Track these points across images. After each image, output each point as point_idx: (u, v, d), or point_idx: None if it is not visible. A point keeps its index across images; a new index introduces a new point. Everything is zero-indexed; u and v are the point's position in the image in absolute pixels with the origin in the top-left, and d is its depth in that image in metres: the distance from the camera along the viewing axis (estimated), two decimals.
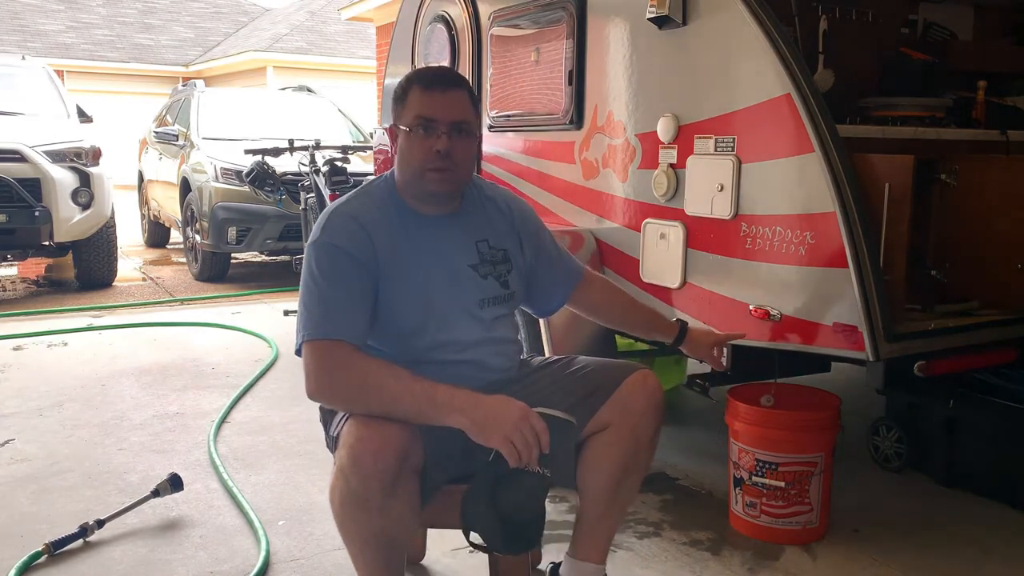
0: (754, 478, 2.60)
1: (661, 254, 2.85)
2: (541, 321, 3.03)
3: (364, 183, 2.03)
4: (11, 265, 7.69)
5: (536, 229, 2.14)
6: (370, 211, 1.89)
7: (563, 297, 2.21)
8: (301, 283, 1.85)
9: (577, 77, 3.21)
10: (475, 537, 1.80)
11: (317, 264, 1.82)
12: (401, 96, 1.90)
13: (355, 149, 6.28)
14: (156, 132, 8.83)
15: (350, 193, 1.98)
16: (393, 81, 4.74)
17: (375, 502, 1.68)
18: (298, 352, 1.80)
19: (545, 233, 2.17)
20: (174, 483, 2.83)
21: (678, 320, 2.28)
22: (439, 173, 1.86)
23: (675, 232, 2.79)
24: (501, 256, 2.01)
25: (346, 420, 1.77)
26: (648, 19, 2.76)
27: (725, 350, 2.73)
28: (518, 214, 2.11)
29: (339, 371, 1.73)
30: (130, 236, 9.51)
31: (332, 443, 1.88)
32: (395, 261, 1.86)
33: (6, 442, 3.45)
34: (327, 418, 1.97)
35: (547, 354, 2.91)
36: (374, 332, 1.86)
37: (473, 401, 1.69)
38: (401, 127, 1.89)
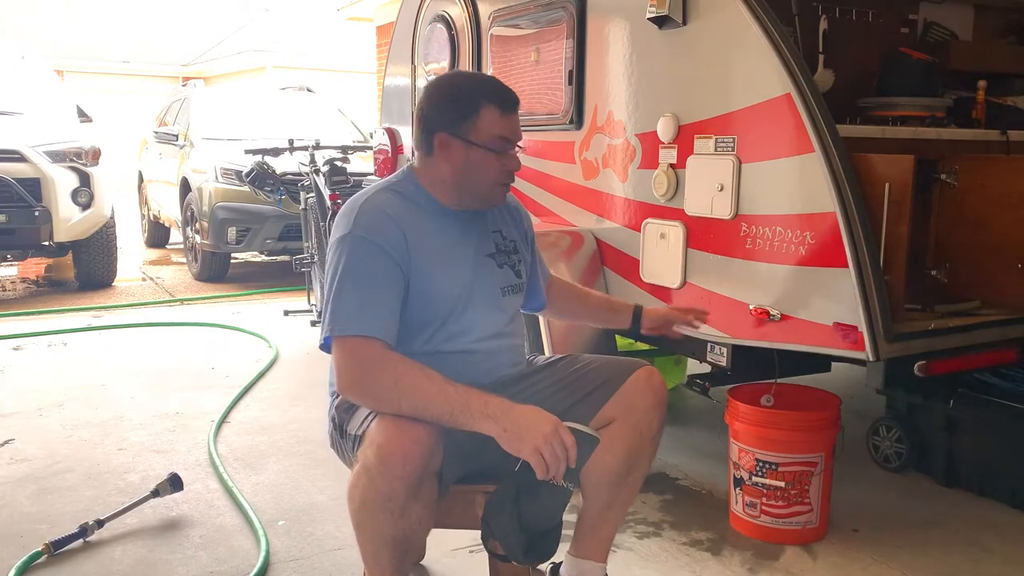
0: (754, 478, 2.60)
1: (661, 254, 2.85)
2: (541, 321, 3.03)
3: (382, 180, 2.02)
4: (11, 265, 7.69)
5: (531, 227, 2.21)
6: (398, 204, 1.89)
7: (542, 295, 2.25)
8: (329, 275, 1.83)
9: (577, 77, 3.21)
10: (493, 545, 1.80)
11: (349, 257, 1.80)
12: (469, 110, 1.87)
13: (355, 149, 6.27)
14: (156, 132, 8.83)
15: (371, 187, 1.97)
16: (393, 81, 4.75)
17: (398, 503, 1.68)
18: (322, 346, 1.80)
19: (534, 242, 2.24)
20: (174, 483, 2.83)
21: (634, 303, 2.31)
22: (505, 188, 1.97)
23: (675, 232, 2.79)
24: (512, 247, 2.06)
25: (374, 419, 1.76)
26: (648, 19, 2.76)
27: (724, 349, 2.76)
28: (521, 212, 2.19)
29: (374, 370, 1.73)
30: (130, 236, 9.51)
31: (354, 441, 1.86)
32: (425, 253, 1.87)
33: (6, 442, 3.45)
34: (345, 416, 1.93)
35: (548, 353, 2.91)
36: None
37: (506, 409, 1.69)
38: (473, 142, 1.87)
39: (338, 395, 1.90)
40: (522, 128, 1.98)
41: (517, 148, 1.94)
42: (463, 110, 1.87)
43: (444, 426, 1.72)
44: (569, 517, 2.49)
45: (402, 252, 1.83)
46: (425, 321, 1.89)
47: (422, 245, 1.86)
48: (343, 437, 1.93)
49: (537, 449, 1.64)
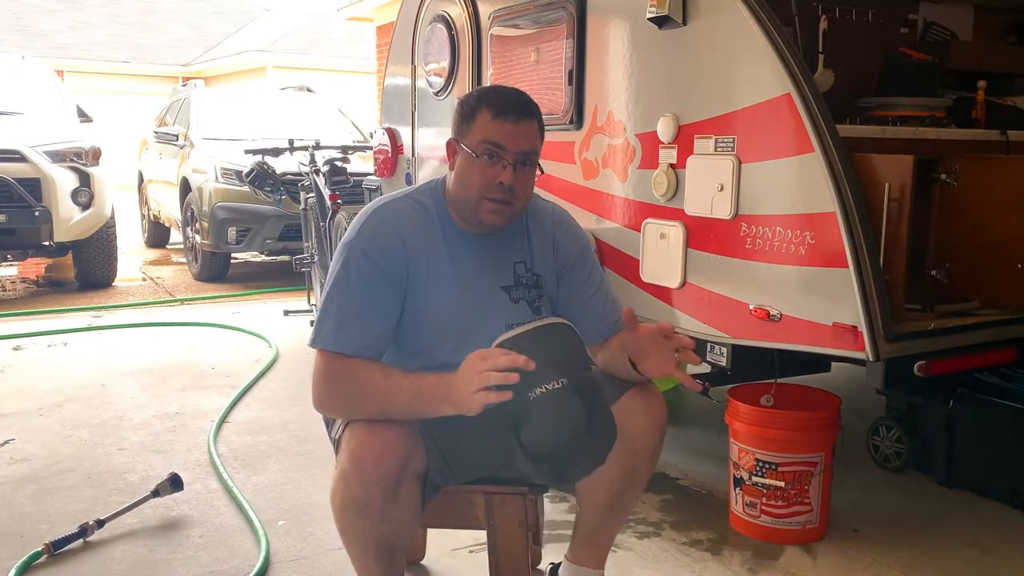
0: (754, 478, 2.60)
1: (661, 254, 2.85)
2: None
3: (413, 186, 1.96)
4: (11, 265, 7.69)
5: (577, 263, 1.96)
6: (411, 217, 1.84)
7: (597, 333, 1.95)
8: (327, 281, 1.82)
9: (577, 77, 3.21)
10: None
11: (344, 268, 1.78)
12: (469, 114, 1.80)
13: (355, 149, 6.28)
14: (156, 132, 8.83)
15: (398, 191, 1.92)
16: (393, 81, 4.75)
17: (376, 507, 1.68)
18: (312, 344, 1.79)
19: (590, 275, 1.97)
20: (174, 483, 2.83)
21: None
22: (497, 205, 1.78)
23: (675, 232, 2.79)
24: (534, 281, 1.92)
25: (347, 424, 1.76)
26: (648, 19, 2.76)
27: (724, 349, 2.75)
28: (563, 241, 1.97)
29: (339, 383, 1.73)
30: (130, 236, 9.51)
31: (335, 445, 1.88)
32: (428, 274, 1.81)
33: (6, 442, 3.45)
34: (329, 419, 1.96)
35: None
36: (392, 341, 1.83)
37: (446, 382, 1.63)
38: (463, 147, 1.79)
39: None
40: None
41: (518, 164, 1.77)
42: (466, 114, 1.81)
43: (427, 431, 1.71)
44: (568, 517, 2.49)
45: (400, 271, 1.79)
46: (416, 347, 1.85)
47: (425, 264, 1.81)
48: (330, 440, 1.94)
49: (474, 393, 1.56)
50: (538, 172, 1.86)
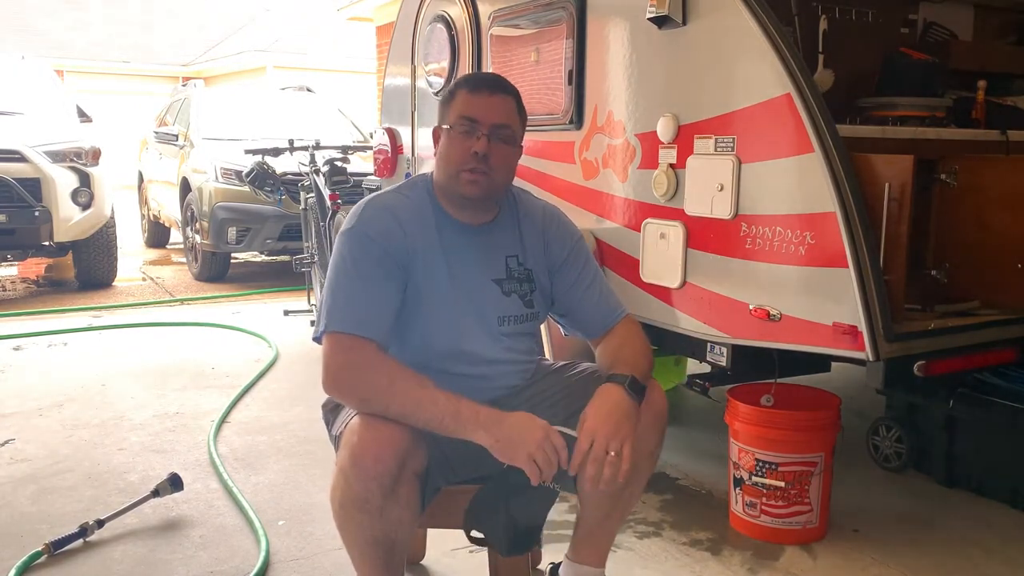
0: (754, 478, 2.60)
1: (661, 254, 2.85)
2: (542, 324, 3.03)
3: (403, 181, 2.00)
4: (11, 265, 7.69)
5: (569, 259, 2.00)
6: (406, 207, 1.88)
7: (593, 327, 2.01)
8: (330, 270, 1.83)
9: (577, 77, 3.21)
10: (476, 533, 1.81)
11: (350, 253, 1.80)
12: (448, 98, 1.90)
13: (355, 149, 6.28)
14: (156, 132, 8.83)
15: (387, 188, 1.96)
16: (393, 81, 4.76)
17: (375, 504, 1.68)
18: (316, 339, 1.79)
19: (583, 269, 2.00)
20: (174, 483, 2.83)
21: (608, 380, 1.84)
22: (472, 175, 1.83)
23: (675, 232, 2.79)
24: (526, 275, 1.96)
25: (348, 421, 1.76)
26: (648, 19, 2.76)
27: (724, 349, 2.75)
28: (553, 238, 2.01)
29: (364, 370, 1.72)
30: (130, 236, 9.51)
31: (334, 442, 1.88)
32: (423, 263, 1.84)
33: (6, 442, 3.45)
34: (330, 417, 1.96)
35: (547, 355, 2.91)
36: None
37: (496, 419, 1.68)
38: (443, 126, 1.89)
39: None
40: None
41: (493, 137, 1.82)
42: (446, 99, 1.91)
43: (427, 431, 1.71)
44: (569, 517, 2.49)
45: (402, 254, 1.82)
46: (412, 334, 1.86)
47: (421, 254, 1.84)
48: (330, 438, 1.94)
49: (530, 456, 1.65)
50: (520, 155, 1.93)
